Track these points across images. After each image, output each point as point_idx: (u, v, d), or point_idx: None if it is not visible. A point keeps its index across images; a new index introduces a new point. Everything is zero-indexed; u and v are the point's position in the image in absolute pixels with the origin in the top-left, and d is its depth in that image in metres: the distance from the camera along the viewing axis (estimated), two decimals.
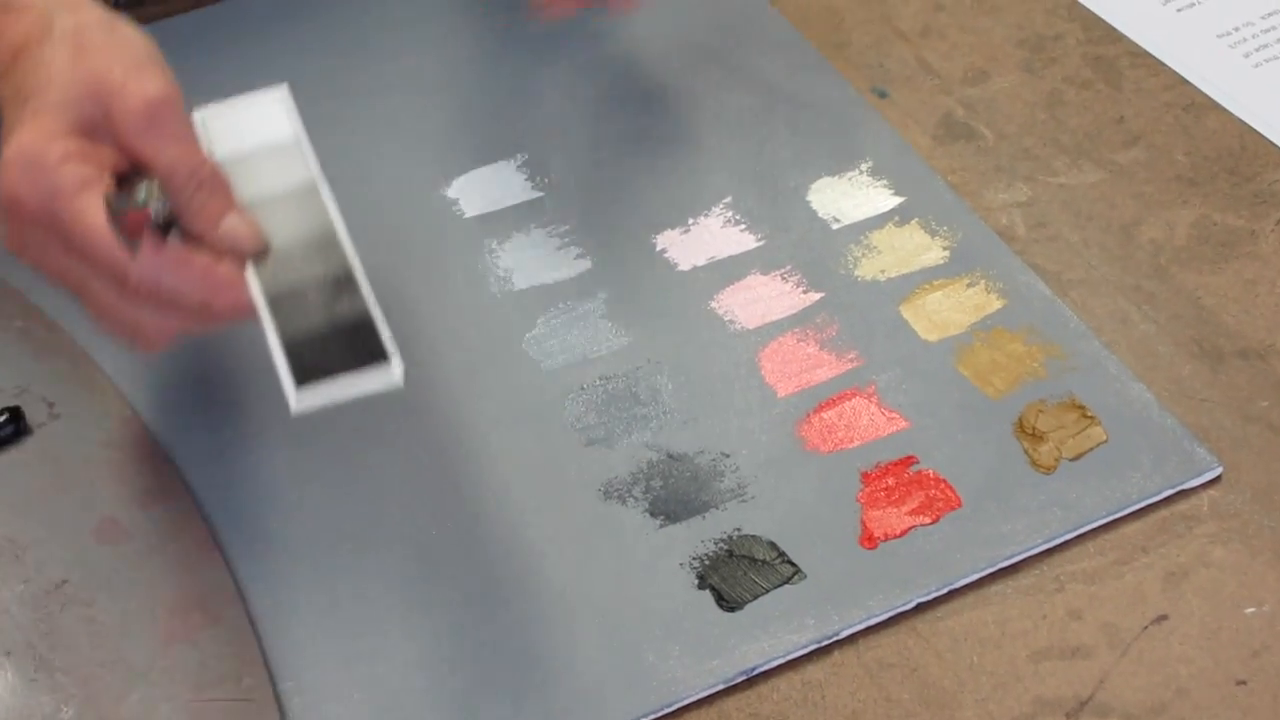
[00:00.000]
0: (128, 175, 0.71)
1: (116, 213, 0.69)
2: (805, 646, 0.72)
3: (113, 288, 0.70)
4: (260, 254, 0.72)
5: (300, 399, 0.67)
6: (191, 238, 0.70)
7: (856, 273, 0.87)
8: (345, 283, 0.71)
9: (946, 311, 0.85)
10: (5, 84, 0.73)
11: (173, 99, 0.72)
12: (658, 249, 0.88)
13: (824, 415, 0.80)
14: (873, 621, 0.73)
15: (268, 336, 0.69)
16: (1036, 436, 0.79)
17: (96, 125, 0.71)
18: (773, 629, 0.73)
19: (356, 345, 0.69)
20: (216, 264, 0.70)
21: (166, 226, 0.70)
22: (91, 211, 0.69)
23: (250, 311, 0.70)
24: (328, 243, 0.73)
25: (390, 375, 0.68)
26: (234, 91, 0.95)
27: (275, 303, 0.70)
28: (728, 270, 0.87)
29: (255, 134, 0.77)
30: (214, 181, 0.71)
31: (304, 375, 0.67)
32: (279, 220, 0.73)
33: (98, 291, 0.71)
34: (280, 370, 0.68)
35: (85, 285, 0.71)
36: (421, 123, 0.94)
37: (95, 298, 0.71)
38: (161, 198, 0.70)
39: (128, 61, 0.72)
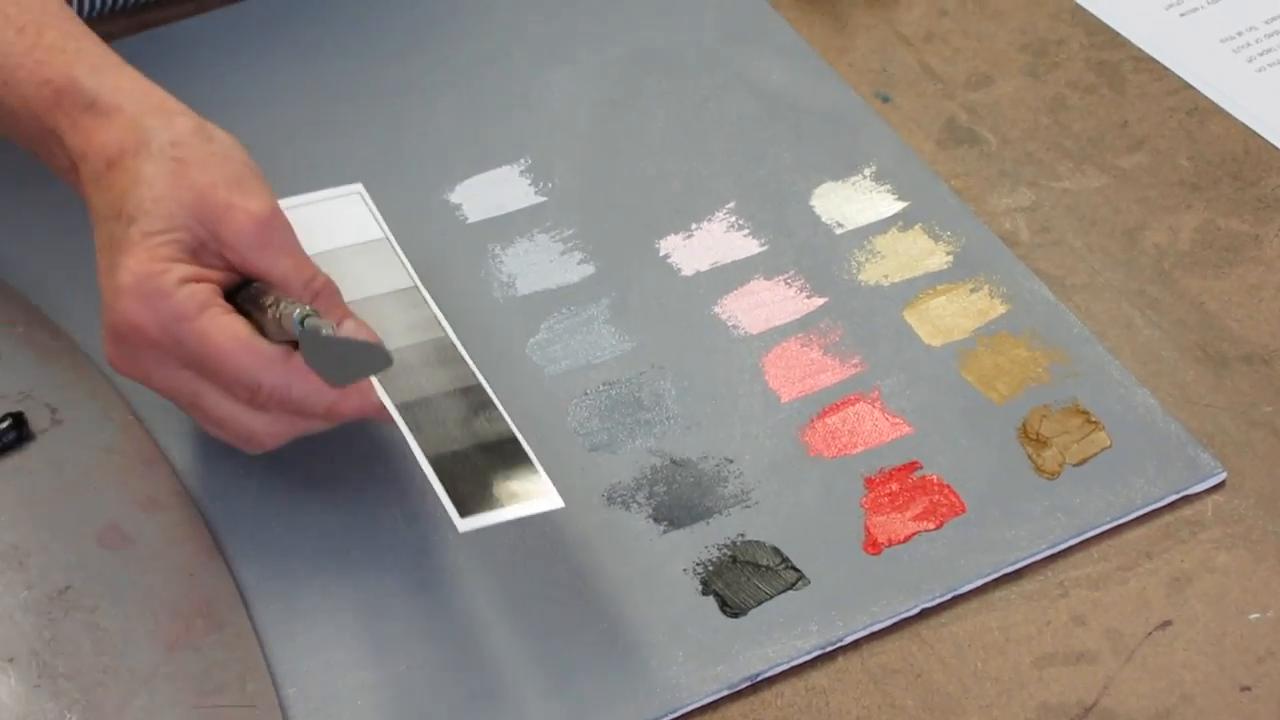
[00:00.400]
0: (235, 289, 0.73)
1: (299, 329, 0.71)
2: (809, 652, 0.72)
3: (238, 400, 0.72)
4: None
5: (465, 524, 0.68)
6: None
7: (860, 278, 0.87)
8: (475, 394, 0.73)
9: (950, 316, 0.85)
10: (98, 192, 0.74)
11: (278, 214, 0.73)
12: (661, 254, 0.88)
13: (827, 420, 0.80)
14: (877, 627, 0.73)
15: (411, 447, 0.70)
16: (1040, 442, 0.79)
17: (203, 244, 0.72)
18: (776, 635, 0.72)
19: (512, 474, 0.71)
20: None
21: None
22: (216, 331, 0.70)
23: (375, 412, 0.72)
24: (444, 349, 0.75)
25: (552, 503, 0.70)
26: (241, 96, 0.95)
27: (407, 411, 0.72)
28: (731, 275, 0.87)
29: (341, 231, 0.79)
30: (327, 291, 0.73)
31: (466, 505, 0.69)
32: (386, 323, 0.75)
33: (214, 403, 0.72)
34: (436, 488, 0.69)
35: (199, 398, 0.73)
36: (424, 128, 0.94)
37: (211, 409, 0.72)
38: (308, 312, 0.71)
39: (229, 177, 0.73)
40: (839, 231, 0.89)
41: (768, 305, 0.85)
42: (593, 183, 0.91)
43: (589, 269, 0.87)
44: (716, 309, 0.85)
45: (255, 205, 0.73)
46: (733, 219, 0.89)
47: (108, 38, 0.83)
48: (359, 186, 0.82)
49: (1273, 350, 0.83)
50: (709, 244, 0.88)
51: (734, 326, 0.84)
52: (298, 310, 0.70)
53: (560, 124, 0.95)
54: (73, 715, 0.69)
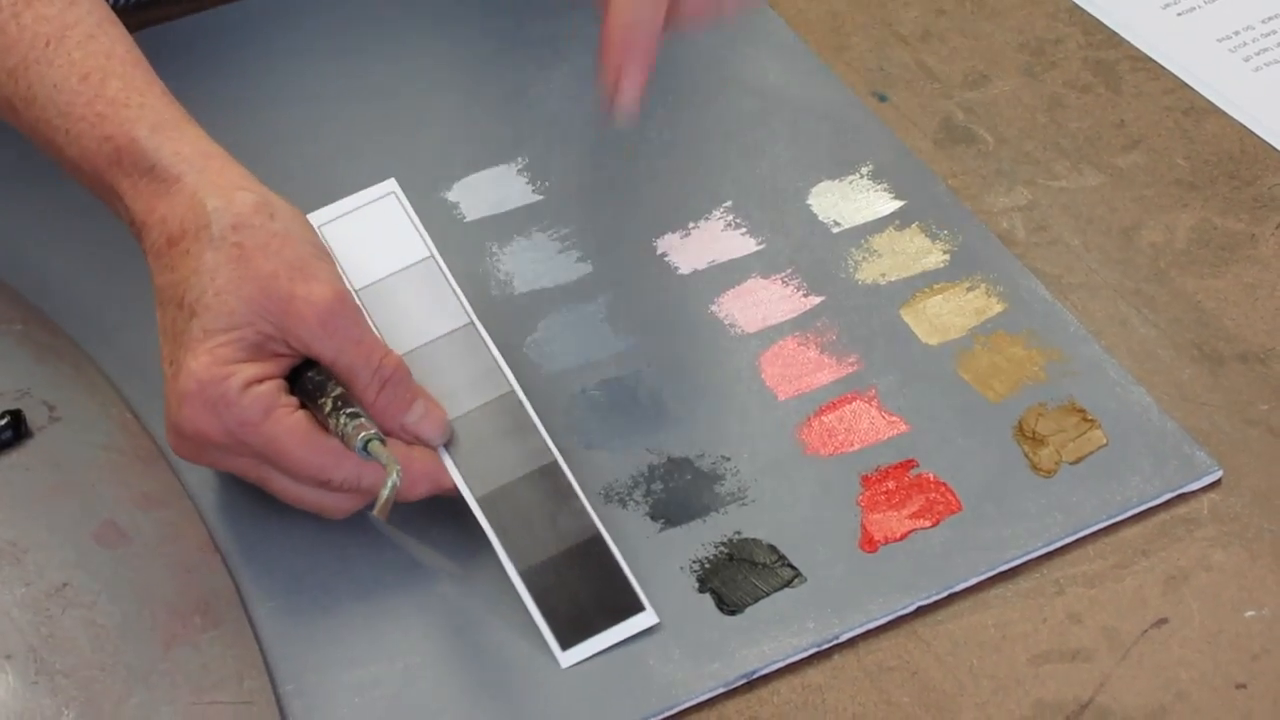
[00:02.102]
0: (297, 368, 0.73)
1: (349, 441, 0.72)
2: (805, 650, 0.72)
3: (306, 484, 0.73)
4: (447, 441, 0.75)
5: (568, 658, 0.71)
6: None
7: (857, 276, 0.87)
8: (552, 476, 0.74)
9: (947, 315, 0.85)
10: (160, 270, 0.73)
11: (342, 299, 0.73)
12: (658, 252, 0.88)
13: (824, 419, 0.80)
14: (873, 625, 0.73)
15: (501, 560, 0.73)
16: (1037, 440, 0.79)
17: (268, 337, 0.72)
18: (773, 632, 0.73)
19: (603, 586, 0.73)
20: (410, 455, 0.73)
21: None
22: (283, 434, 0.71)
23: (446, 490, 0.74)
24: (512, 410, 0.76)
25: (649, 620, 0.72)
26: (240, 94, 0.95)
27: (489, 507, 0.73)
28: (728, 274, 0.87)
29: (384, 251, 0.79)
30: (395, 377, 0.73)
31: (566, 636, 0.71)
32: (449, 380, 0.76)
33: (282, 486, 0.73)
34: (535, 617, 0.72)
35: (267, 482, 0.73)
36: (422, 126, 0.94)
37: (280, 491, 0.74)
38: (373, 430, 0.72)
39: (291, 262, 0.72)
40: (836, 230, 0.89)
41: (765, 304, 0.85)
42: (590, 181, 0.91)
43: (586, 267, 0.87)
44: (713, 307, 0.85)
45: (319, 293, 0.72)
46: (730, 218, 0.89)
47: None
48: (392, 185, 0.80)
49: (1269, 349, 0.84)
50: (706, 243, 0.88)
51: (731, 325, 0.85)
52: (361, 436, 0.71)
53: (558, 122, 0.95)
54: (70, 712, 0.69)
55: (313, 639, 0.73)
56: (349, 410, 0.71)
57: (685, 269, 0.87)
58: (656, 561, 0.75)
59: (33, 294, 0.85)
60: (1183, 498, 0.78)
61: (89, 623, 0.72)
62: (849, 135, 0.94)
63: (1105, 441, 0.79)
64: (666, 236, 0.89)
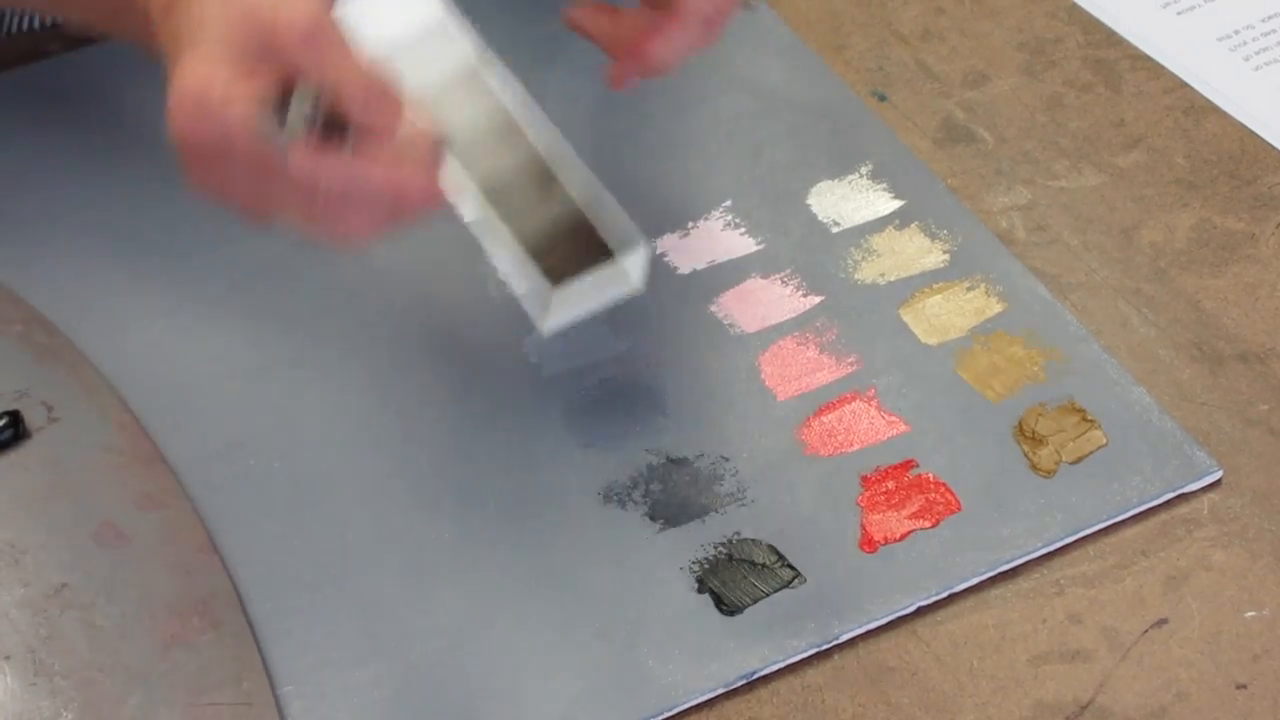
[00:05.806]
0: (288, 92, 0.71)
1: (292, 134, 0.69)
2: (805, 650, 0.72)
3: (311, 217, 0.70)
4: (441, 152, 0.72)
5: (553, 318, 0.70)
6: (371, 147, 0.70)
7: (856, 276, 0.87)
8: (543, 176, 0.72)
9: (946, 315, 0.85)
10: (164, 29, 0.73)
11: (325, 14, 0.71)
12: (657, 252, 0.88)
13: (824, 419, 0.80)
14: (873, 625, 0.73)
15: (485, 241, 0.72)
16: (1036, 440, 0.79)
17: (257, 59, 0.70)
18: (772, 633, 0.73)
19: (584, 247, 0.71)
20: (401, 171, 0.70)
21: (339, 128, 0.70)
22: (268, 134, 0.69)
23: (444, 199, 0.72)
24: (508, 129, 0.74)
25: (628, 277, 0.71)
26: None
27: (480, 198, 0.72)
28: (727, 274, 0.87)
29: (405, 21, 0.76)
30: (383, 90, 0.71)
31: (554, 276, 0.70)
32: (452, 111, 0.74)
33: (284, 197, 0.71)
34: (516, 278, 0.70)
35: (282, 204, 0.71)
36: None
37: (295, 214, 0.71)
38: (312, 100, 0.69)
39: None
40: (835, 230, 0.89)
41: (764, 304, 0.85)
42: None
43: None
44: (713, 307, 0.85)
45: (300, 8, 0.70)
46: (729, 217, 0.89)
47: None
48: None
49: (1268, 348, 0.84)
50: (705, 242, 0.88)
51: (730, 325, 0.84)
52: (293, 104, 0.69)
53: (556, 122, 0.94)
54: (69, 713, 0.69)
55: (311, 640, 0.73)
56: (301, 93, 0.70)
57: (684, 268, 0.87)
58: (655, 562, 0.75)
59: (32, 295, 0.85)
60: (1183, 498, 0.78)
61: (88, 624, 0.72)
62: (848, 135, 0.94)
63: (1105, 441, 0.79)
64: (666, 236, 0.89)
